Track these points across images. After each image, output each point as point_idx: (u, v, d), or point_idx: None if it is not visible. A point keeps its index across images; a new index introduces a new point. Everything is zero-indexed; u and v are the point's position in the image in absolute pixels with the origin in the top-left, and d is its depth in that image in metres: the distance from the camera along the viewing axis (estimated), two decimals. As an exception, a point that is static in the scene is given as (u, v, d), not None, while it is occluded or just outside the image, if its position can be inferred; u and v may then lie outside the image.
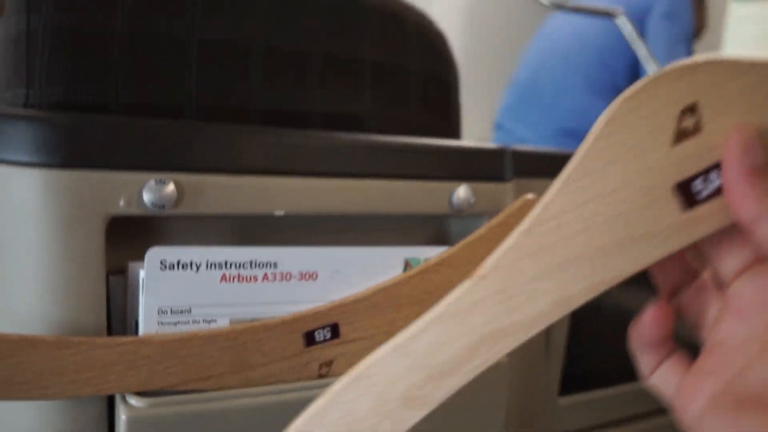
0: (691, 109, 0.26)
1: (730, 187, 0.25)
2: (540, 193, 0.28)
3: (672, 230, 0.26)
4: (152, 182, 0.39)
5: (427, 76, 0.58)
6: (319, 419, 0.27)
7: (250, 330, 0.40)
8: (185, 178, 0.41)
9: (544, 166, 0.64)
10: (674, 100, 0.26)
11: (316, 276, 0.43)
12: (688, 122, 0.26)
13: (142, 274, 0.39)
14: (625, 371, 0.58)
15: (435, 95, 0.58)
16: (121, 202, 0.39)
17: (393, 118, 0.55)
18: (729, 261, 0.28)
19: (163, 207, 0.39)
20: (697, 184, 0.26)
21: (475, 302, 0.27)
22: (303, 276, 0.43)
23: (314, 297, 0.42)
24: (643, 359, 0.30)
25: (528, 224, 0.27)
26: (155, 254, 0.38)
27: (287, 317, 0.41)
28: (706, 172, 0.26)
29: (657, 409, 0.77)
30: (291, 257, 0.42)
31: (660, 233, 0.27)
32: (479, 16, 2.14)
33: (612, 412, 0.73)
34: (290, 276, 0.42)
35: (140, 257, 0.39)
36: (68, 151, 0.38)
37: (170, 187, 0.40)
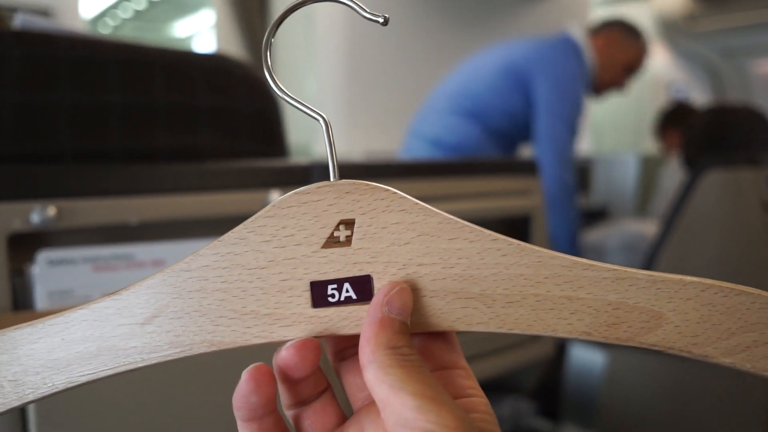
0: (348, 223, 0.28)
1: (363, 327, 0.27)
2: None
3: (297, 320, 0.28)
4: (38, 207, 0.57)
5: (252, 114, 0.78)
6: None
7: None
8: (63, 203, 0.59)
9: (362, 172, 0.85)
10: (337, 210, 0.28)
11: (164, 263, 0.62)
12: (342, 233, 0.28)
13: (36, 270, 0.57)
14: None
15: (259, 128, 0.78)
16: (16, 223, 0.57)
17: (225, 148, 0.75)
18: (357, 390, 0.30)
19: (46, 224, 0.57)
20: (332, 289, 0.28)
21: (107, 316, 0.29)
22: (154, 263, 0.61)
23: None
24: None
25: (176, 267, 0.29)
26: (43, 256, 0.56)
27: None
28: (342, 282, 0.28)
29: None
30: (144, 251, 0.61)
31: (286, 318, 0.28)
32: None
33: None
34: (144, 264, 0.60)
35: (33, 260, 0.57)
36: (-25, 191, 0.56)
37: (52, 210, 0.58)
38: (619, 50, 1.91)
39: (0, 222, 0.56)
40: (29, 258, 0.58)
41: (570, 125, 1.76)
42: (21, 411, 0.52)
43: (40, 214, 0.57)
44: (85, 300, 0.57)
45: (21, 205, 0.57)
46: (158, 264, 0.61)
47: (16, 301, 0.58)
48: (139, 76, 0.71)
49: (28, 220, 0.57)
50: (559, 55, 1.78)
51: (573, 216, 1.79)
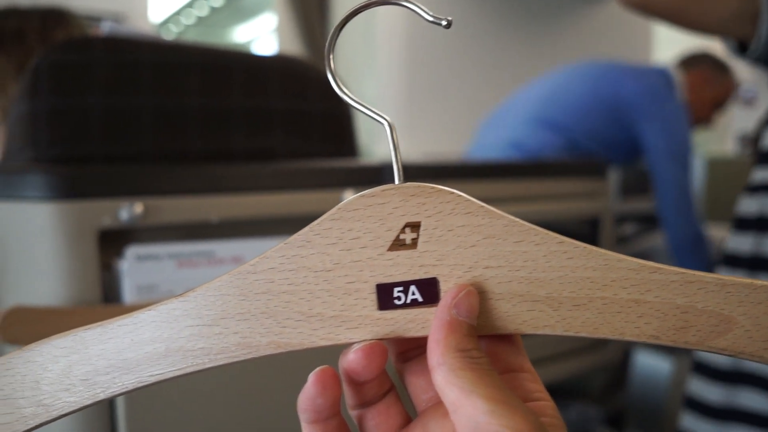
0: (414, 226, 0.28)
1: (432, 330, 0.27)
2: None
3: (363, 322, 0.28)
4: (127, 205, 0.60)
5: (324, 115, 0.79)
6: None
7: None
8: (150, 201, 0.61)
9: (428, 173, 0.85)
10: (402, 212, 0.28)
11: (243, 260, 0.63)
12: (408, 236, 0.28)
13: (124, 265, 0.59)
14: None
15: (331, 129, 0.80)
16: (106, 220, 0.59)
17: (298, 149, 0.76)
18: (421, 392, 0.30)
19: (133, 221, 0.60)
20: (398, 292, 0.28)
21: (175, 318, 0.29)
22: (234, 260, 0.63)
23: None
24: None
25: (242, 269, 0.29)
26: (132, 251, 0.59)
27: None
28: (408, 284, 0.28)
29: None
30: (224, 248, 0.62)
31: (352, 321, 0.28)
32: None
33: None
34: (224, 261, 0.62)
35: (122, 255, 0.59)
36: (70, 189, 0.58)
37: (139, 208, 0.60)
38: (710, 87, 1.82)
39: (91, 219, 0.59)
40: (116, 253, 0.61)
41: (686, 166, 1.68)
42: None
43: (128, 211, 0.59)
44: (169, 295, 0.60)
45: (110, 203, 0.59)
46: (237, 261, 0.63)
47: (105, 294, 0.61)
48: (217, 79, 0.74)
49: (117, 217, 0.59)
50: (664, 92, 1.68)
51: (709, 263, 1.67)
